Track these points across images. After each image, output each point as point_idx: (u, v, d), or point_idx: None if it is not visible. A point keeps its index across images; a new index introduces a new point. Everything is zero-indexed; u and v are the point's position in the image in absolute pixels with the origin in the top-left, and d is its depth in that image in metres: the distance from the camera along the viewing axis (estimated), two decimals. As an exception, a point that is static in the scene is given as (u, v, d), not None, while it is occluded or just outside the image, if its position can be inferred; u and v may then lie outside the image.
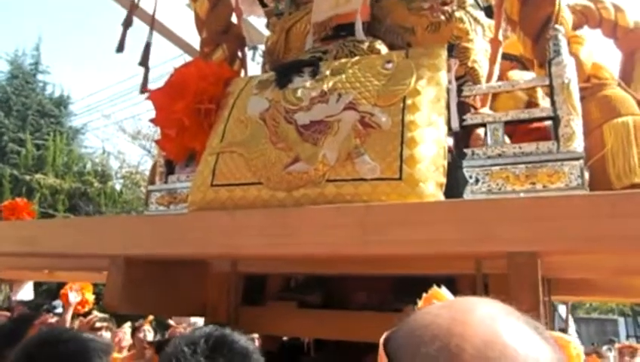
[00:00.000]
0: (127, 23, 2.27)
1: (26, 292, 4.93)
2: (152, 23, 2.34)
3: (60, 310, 4.43)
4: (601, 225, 1.01)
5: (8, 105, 14.80)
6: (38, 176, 12.61)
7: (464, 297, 0.56)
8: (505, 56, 2.19)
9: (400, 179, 1.34)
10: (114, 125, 15.04)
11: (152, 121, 1.98)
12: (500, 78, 2.14)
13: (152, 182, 2.04)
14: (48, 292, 8.43)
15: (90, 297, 4.14)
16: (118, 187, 14.35)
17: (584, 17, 3.12)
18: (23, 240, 1.80)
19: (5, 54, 15.74)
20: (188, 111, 1.78)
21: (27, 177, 12.54)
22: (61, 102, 16.14)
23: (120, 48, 2.28)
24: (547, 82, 1.48)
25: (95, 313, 4.39)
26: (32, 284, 5.01)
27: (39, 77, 16.21)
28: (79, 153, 15.30)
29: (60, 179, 12.90)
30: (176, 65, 1.96)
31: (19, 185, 12.42)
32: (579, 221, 1.03)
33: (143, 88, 2.28)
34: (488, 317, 0.49)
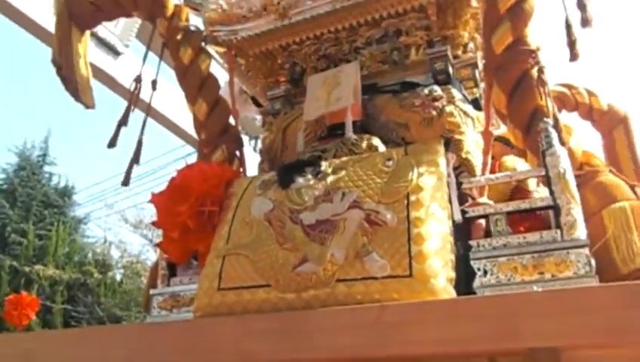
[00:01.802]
0: (122, 122, 2.34)
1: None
2: (144, 123, 2.39)
3: None
4: (623, 315, 1.02)
5: (14, 196, 14.77)
6: (37, 267, 12.37)
7: None
8: (498, 139, 2.29)
9: (410, 276, 1.34)
10: (116, 214, 14.99)
11: (154, 224, 1.98)
12: (493, 163, 2.22)
13: (153, 285, 2.00)
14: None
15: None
16: (118, 277, 14.11)
17: (561, 102, 3.31)
18: (19, 356, 1.73)
19: (14, 147, 15.90)
20: (191, 214, 1.80)
21: (27, 268, 12.28)
22: (65, 193, 16.16)
23: (111, 144, 2.34)
24: (543, 173, 1.53)
25: None
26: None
27: (46, 168, 16.30)
28: (81, 243, 15.11)
29: (60, 270, 12.65)
30: (179, 168, 1.99)
31: (18, 276, 12.13)
32: (600, 313, 1.03)
33: (125, 182, 2.33)
34: None
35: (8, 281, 11.70)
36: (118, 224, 15.06)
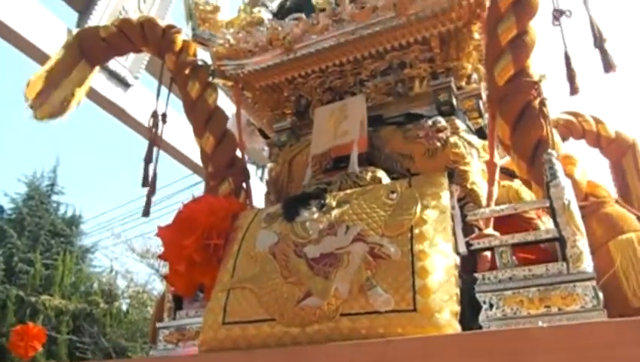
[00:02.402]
0: (148, 160, 2.36)
1: None
2: (157, 155, 2.41)
3: None
4: (629, 352, 1.00)
5: (22, 225, 14.92)
6: (44, 297, 12.41)
7: None
8: (503, 171, 2.28)
9: (415, 310, 1.33)
10: (123, 244, 15.02)
11: (160, 256, 1.99)
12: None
13: (159, 318, 2.00)
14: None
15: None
16: (124, 307, 14.07)
17: (568, 130, 3.31)
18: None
19: (24, 176, 16.19)
20: (197, 247, 1.81)
21: (33, 298, 12.30)
22: (73, 222, 16.30)
23: (145, 183, 2.35)
24: (547, 204, 1.53)
25: None
26: None
27: (54, 197, 16.46)
28: (87, 272, 15.15)
29: (66, 300, 12.68)
30: (186, 199, 2.02)
31: (24, 306, 12.16)
32: (606, 350, 1.02)
33: (146, 212, 2.34)
34: None
35: (14, 311, 11.73)
36: (124, 253, 15.07)
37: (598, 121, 3.33)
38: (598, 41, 1.74)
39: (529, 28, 1.87)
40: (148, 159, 2.33)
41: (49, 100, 2.45)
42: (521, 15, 1.86)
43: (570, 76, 1.77)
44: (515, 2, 1.87)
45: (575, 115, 3.34)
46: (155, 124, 2.38)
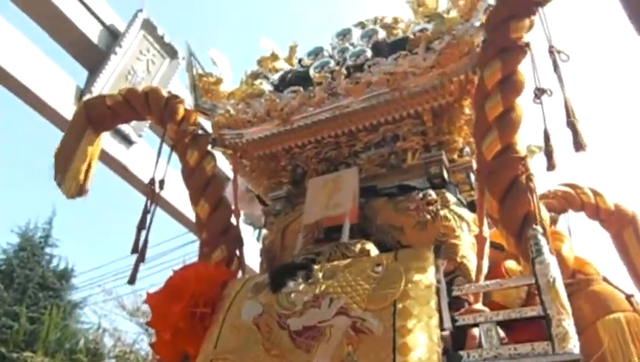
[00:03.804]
0: (141, 226, 2.38)
1: None
2: (151, 221, 2.43)
3: None
4: None
5: (11, 277, 14.52)
6: (26, 353, 11.95)
7: None
8: (497, 247, 2.27)
9: (395, 388, 1.31)
10: (114, 301, 14.70)
11: (148, 324, 1.98)
12: (495, 269, 2.20)
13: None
14: None
15: None
16: None
17: (566, 202, 3.30)
18: None
19: (17, 227, 15.81)
20: (184, 315, 1.80)
21: (15, 354, 11.90)
22: (64, 276, 15.84)
23: (135, 250, 2.35)
24: (533, 281, 1.52)
25: None
26: None
27: (47, 249, 16.14)
28: (74, 329, 14.67)
29: (49, 358, 12.21)
30: (177, 264, 2.03)
31: None
32: None
33: (131, 280, 2.34)
34: None
35: (-6, 369, 11.33)
36: (114, 310, 14.67)
37: (596, 194, 3.32)
38: (570, 121, 1.78)
39: (515, 105, 1.92)
40: (141, 226, 2.36)
41: (68, 176, 2.53)
42: (507, 93, 1.91)
43: (549, 152, 1.80)
44: (501, 80, 1.93)
45: (573, 186, 3.34)
46: (152, 193, 2.42)
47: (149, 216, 2.37)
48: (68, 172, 2.51)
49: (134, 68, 6.55)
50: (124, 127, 6.29)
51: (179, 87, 6.69)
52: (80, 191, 2.55)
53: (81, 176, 2.56)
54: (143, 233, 2.34)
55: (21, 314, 13.24)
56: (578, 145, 1.73)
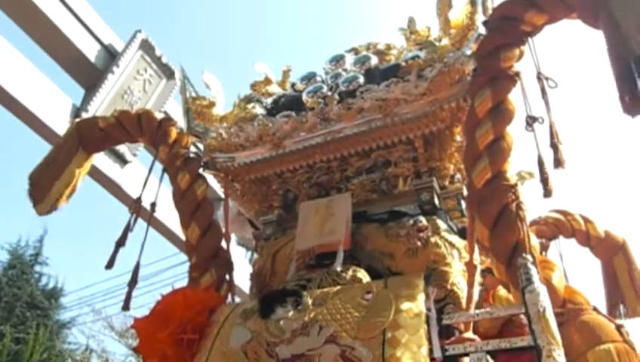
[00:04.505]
0: (120, 242, 2.38)
1: None
2: (142, 247, 2.42)
3: None
4: None
5: None
6: None
7: None
8: (488, 271, 2.27)
9: (383, 420, 1.29)
10: (103, 321, 14.43)
11: (134, 349, 1.95)
12: (486, 293, 2.20)
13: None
14: None
15: None
16: None
17: (557, 229, 3.32)
18: None
19: (8, 244, 15.45)
20: (171, 342, 1.78)
21: None
22: (53, 295, 15.51)
23: (109, 265, 2.36)
24: (523, 310, 1.52)
25: None
26: None
27: (37, 267, 15.86)
28: (60, 349, 14.34)
29: None
30: (164, 293, 2.00)
31: None
32: None
33: (125, 306, 2.32)
34: None
35: (-29, 392, 11.03)
36: (103, 331, 14.40)
37: (587, 220, 3.34)
38: (554, 142, 1.83)
39: (505, 133, 1.94)
40: (120, 242, 2.36)
41: (50, 193, 2.53)
42: (497, 121, 1.93)
43: (544, 179, 1.82)
44: (491, 109, 1.95)
45: (564, 213, 3.36)
46: (137, 211, 2.42)
47: (140, 237, 2.37)
48: (50, 192, 2.50)
49: (131, 87, 6.55)
50: (119, 146, 6.25)
51: (175, 107, 6.70)
52: (51, 209, 2.55)
53: (62, 198, 2.56)
54: (135, 258, 2.33)
55: (6, 334, 12.96)
56: (557, 162, 1.80)
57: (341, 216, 2.17)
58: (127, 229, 2.41)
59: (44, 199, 2.54)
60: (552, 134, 1.84)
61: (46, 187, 2.55)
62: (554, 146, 1.82)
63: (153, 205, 2.49)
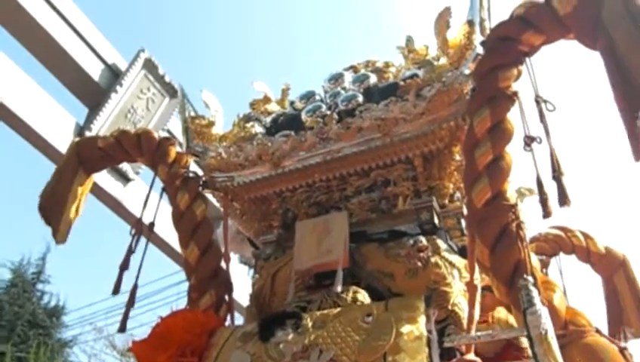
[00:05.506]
0: (123, 267, 2.37)
1: None
2: (140, 268, 2.42)
3: None
4: None
5: (0, 314, 14.18)
6: None
7: None
8: (488, 289, 2.25)
9: None
10: (104, 340, 14.29)
11: (133, 373, 1.93)
12: (485, 314, 2.18)
13: None
14: None
15: None
16: None
17: (558, 245, 3.31)
18: None
19: (10, 263, 15.25)
20: (170, 365, 1.76)
21: None
22: (54, 313, 15.38)
23: (115, 291, 2.34)
24: (525, 333, 1.50)
25: None
26: None
27: (39, 286, 15.74)
28: None
29: None
30: (163, 314, 1.99)
31: None
32: None
33: (122, 328, 2.31)
34: None
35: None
36: (104, 350, 14.25)
37: (587, 237, 3.33)
38: (556, 175, 1.80)
39: (505, 153, 1.93)
40: (123, 266, 2.34)
41: (63, 221, 2.53)
42: (496, 141, 1.93)
43: (543, 200, 1.81)
44: (490, 128, 1.95)
45: (564, 230, 3.35)
46: (139, 232, 2.41)
47: (138, 257, 2.36)
48: (63, 217, 2.50)
49: (134, 106, 6.58)
50: (122, 164, 6.27)
51: (178, 125, 6.70)
52: (67, 235, 2.55)
53: (72, 220, 2.56)
54: (133, 276, 2.32)
55: (7, 353, 12.83)
56: (563, 200, 1.75)
57: (338, 233, 2.17)
58: (130, 252, 2.40)
59: (59, 228, 2.53)
60: (554, 165, 1.80)
61: (59, 213, 2.54)
62: (557, 180, 1.77)
63: (152, 225, 2.48)
